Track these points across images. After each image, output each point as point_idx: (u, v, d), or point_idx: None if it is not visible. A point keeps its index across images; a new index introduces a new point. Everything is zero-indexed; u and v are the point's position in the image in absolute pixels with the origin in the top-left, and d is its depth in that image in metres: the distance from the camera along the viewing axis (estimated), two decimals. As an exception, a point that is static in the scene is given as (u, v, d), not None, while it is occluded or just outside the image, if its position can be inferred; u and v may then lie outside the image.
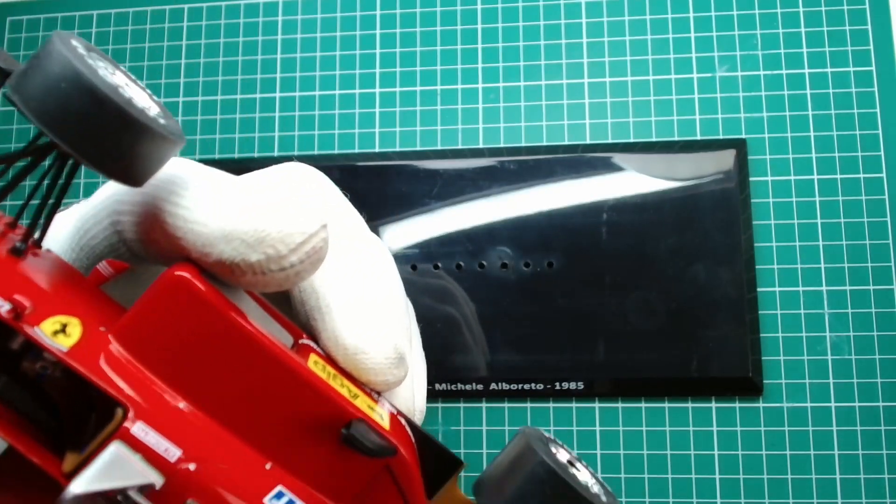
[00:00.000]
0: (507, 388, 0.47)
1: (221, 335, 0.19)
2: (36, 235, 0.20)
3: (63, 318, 0.18)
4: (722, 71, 0.50)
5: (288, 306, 0.23)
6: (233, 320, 0.19)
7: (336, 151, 0.52)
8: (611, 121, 0.49)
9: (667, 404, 0.46)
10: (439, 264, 0.49)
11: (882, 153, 0.47)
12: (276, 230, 0.18)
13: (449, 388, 0.48)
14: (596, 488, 0.22)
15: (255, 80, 0.53)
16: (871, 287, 0.46)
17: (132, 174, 0.18)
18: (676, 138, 0.49)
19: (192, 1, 0.54)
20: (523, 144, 0.50)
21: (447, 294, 0.48)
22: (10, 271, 0.18)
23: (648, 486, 0.45)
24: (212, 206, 0.19)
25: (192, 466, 0.18)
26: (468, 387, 0.47)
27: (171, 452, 0.18)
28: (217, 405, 0.20)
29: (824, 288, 0.46)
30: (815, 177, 0.47)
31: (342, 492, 0.20)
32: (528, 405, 0.47)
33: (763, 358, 0.45)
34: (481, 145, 0.50)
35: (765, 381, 0.45)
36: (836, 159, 0.47)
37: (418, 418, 0.24)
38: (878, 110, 0.48)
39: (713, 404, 0.46)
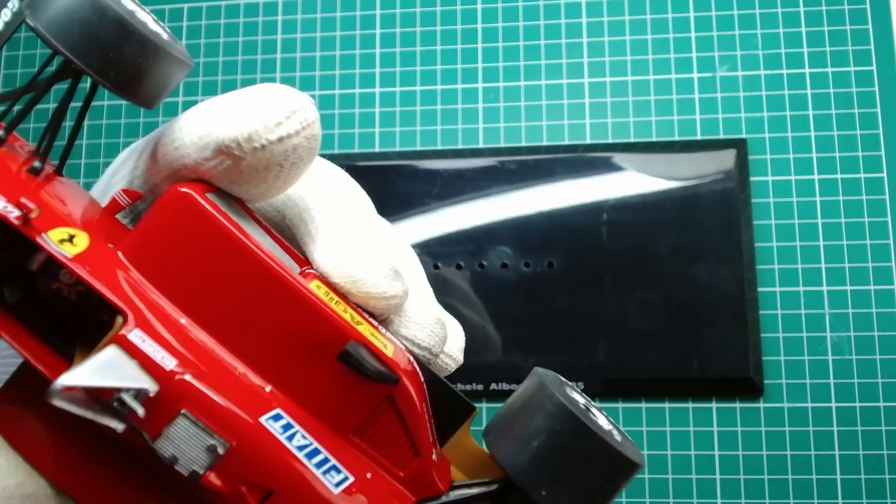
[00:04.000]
0: (508, 388, 0.47)
1: (223, 251, 0.19)
2: (56, 163, 0.21)
3: (71, 230, 0.18)
4: (722, 70, 0.49)
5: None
6: (234, 236, 0.19)
7: (336, 151, 0.52)
8: (611, 121, 0.49)
9: (667, 404, 0.46)
10: (439, 264, 0.49)
11: (882, 153, 0.47)
12: (253, 108, 0.19)
13: (449, 388, 0.47)
14: (609, 428, 0.21)
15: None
16: (872, 287, 0.46)
17: (143, 93, 0.19)
18: (677, 138, 0.49)
19: (192, 1, 0.54)
20: (523, 144, 0.50)
21: (447, 294, 0.48)
22: (25, 185, 0.19)
23: (648, 486, 0.45)
24: (186, 116, 0.20)
25: (187, 377, 0.18)
26: (469, 387, 0.47)
27: (167, 361, 0.18)
28: (219, 323, 0.20)
29: (825, 288, 0.46)
30: (816, 177, 0.47)
31: (343, 422, 0.20)
32: (529, 405, 0.47)
33: (763, 358, 0.45)
34: (481, 145, 0.50)
35: (765, 382, 0.45)
36: (836, 159, 0.47)
37: (450, 363, 0.24)
38: (878, 110, 0.48)
39: (714, 404, 0.46)
